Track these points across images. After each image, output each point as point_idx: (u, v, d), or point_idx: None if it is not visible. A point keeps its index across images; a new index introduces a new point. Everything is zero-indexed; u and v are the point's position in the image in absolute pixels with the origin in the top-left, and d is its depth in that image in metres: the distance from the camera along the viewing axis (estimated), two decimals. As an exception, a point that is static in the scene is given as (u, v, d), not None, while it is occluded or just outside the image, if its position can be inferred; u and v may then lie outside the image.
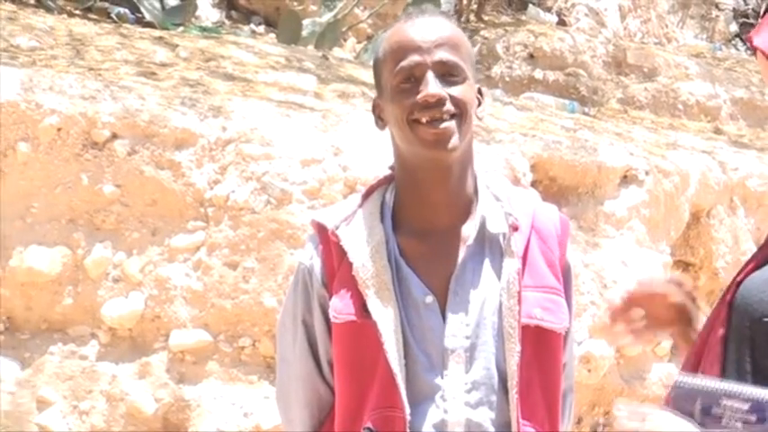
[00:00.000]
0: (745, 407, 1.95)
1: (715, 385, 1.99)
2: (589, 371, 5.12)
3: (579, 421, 5.26)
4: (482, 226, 2.52)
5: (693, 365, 2.16)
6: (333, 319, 2.51)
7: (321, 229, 2.57)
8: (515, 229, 2.52)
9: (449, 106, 2.45)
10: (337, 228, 2.54)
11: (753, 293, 2.07)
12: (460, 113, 2.46)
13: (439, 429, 2.47)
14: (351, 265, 2.50)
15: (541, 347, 2.51)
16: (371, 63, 2.61)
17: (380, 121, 2.57)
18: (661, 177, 5.60)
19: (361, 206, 2.57)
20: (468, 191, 2.55)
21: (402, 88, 2.47)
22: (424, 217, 2.53)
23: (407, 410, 2.44)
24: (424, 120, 2.44)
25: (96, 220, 4.63)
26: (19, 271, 4.55)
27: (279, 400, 2.70)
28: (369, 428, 2.47)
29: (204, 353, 4.61)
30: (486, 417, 2.47)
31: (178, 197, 4.65)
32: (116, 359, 4.60)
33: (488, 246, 2.53)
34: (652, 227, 5.55)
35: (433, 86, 2.44)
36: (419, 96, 2.44)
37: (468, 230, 2.53)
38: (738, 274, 2.14)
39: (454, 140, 2.45)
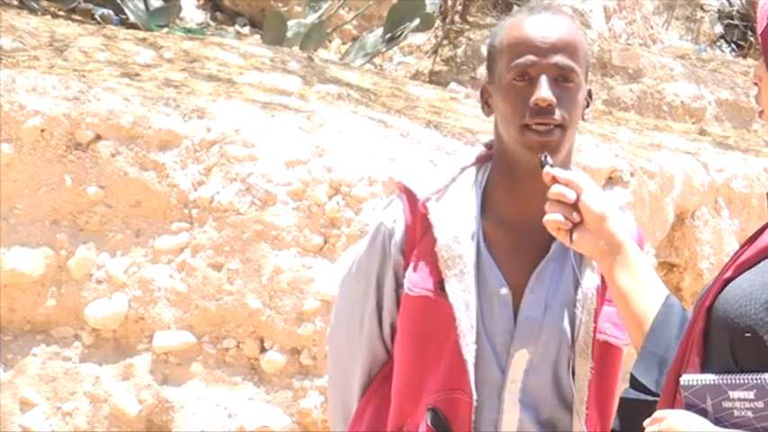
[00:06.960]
0: (751, 395, 1.94)
1: (719, 379, 1.97)
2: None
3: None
4: None
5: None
6: (407, 291, 2.49)
7: (410, 197, 2.53)
8: None
9: (557, 115, 2.41)
10: (428, 200, 2.50)
11: (733, 306, 1.98)
12: (568, 122, 2.43)
13: (494, 423, 2.46)
14: (434, 240, 2.46)
15: (604, 362, 2.50)
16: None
17: (487, 106, 2.53)
18: (646, 178, 5.60)
19: (454, 180, 2.53)
20: None
21: (514, 85, 2.43)
22: (515, 207, 2.51)
23: (474, 396, 2.43)
24: (533, 125, 2.41)
25: (80, 221, 4.61)
26: (2, 272, 4.53)
27: (335, 354, 2.66)
28: (433, 409, 2.45)
29: (188, 354, 4.60)
30: (537, 422, 2.47)
31: (162, 198, 4.64)
32: (99, 360, 4.59)
33: (573, 251, 2.47)
34: (637, 228, 5.54)
35: (545, 90, 2.40)
36: (531, 99, 2.41)
37: None
38: (715, 283, 2.06)
39: (557, 149, 2.42)
